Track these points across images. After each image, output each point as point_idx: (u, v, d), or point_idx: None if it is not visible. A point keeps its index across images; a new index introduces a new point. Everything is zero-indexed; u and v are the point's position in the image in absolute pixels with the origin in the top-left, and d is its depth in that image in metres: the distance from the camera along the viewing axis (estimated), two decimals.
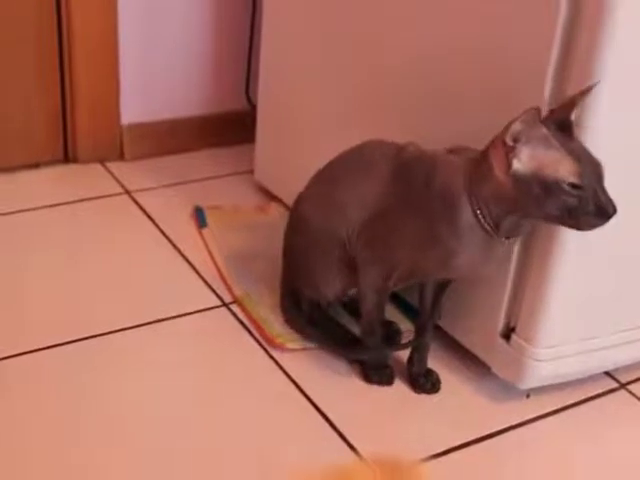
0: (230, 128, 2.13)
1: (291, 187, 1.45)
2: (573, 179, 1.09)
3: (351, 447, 1.27)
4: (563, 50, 1.14)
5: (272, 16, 1.78)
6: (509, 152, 1.11)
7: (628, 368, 1.45)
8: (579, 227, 1.12)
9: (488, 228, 1.18)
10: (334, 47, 1.60)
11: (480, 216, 1.17)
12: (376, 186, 1.29)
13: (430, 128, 1.36)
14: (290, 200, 1.47)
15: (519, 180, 1.11)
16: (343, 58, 1.58)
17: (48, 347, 1.41)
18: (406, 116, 1.41)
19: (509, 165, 1.11)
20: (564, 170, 1.09)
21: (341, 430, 1.30)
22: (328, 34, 1.61)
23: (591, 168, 1.10)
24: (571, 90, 1.14)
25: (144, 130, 2.06)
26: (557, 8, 1.12)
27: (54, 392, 1.32)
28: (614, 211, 1.10)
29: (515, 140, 1.10)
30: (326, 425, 1.31)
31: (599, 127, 1.15)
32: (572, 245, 1.23)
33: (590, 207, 1.09)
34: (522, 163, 1.11)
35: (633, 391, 1.43)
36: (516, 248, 1.27)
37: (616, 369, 1.45)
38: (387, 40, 1.45)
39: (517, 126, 1.09)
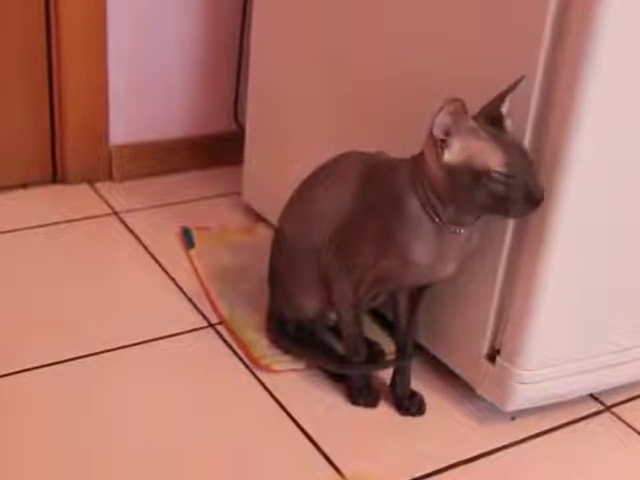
0: (219, 149, 2.14)
1: (279, 208, 1.45)
2: (501, 168, 1.12)
3: (336, 469, 1.27)
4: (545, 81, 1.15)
5: (261, 38, 1.79)
6: (439, 144, 1.15)
7: (613, 391, 1.45)
8: (508, 214, 1.17)
9: (435, 218, 1.20)
10: (322, 69, 1.61)
11: (427, 207, 1.20)
12: (347, 192, 1.31)
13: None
14: None
15: (450, 171, 1.15)
16: (332, 80, 1.59)
17: (30, 369, 1.40)
18: (395, 138, 1.41)
19: (439, 157, 1.15)
20: (493, 160, 1.12)
21: (326, 452, 1.29)
22: (317, 57, 1.62)
23: (519, 157, 1.13)
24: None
25: (133, 151, 2.07)
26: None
27: (35, 413, 1.32)
28: (541, 197, 1.13)
29: (446, 133, 1.14)
30: (311, 446, 1.30)
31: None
32: (557, 268, 1.24)
33: (519, 195, 1.13)
34: (452, 154, 1.15)
35: (618, 414, 1.44)
36: (501, 270, 1.28)
37: (601, 392, 1.45)
38: (376, 60, 1.46)
39: (444, 119, 1.13)
